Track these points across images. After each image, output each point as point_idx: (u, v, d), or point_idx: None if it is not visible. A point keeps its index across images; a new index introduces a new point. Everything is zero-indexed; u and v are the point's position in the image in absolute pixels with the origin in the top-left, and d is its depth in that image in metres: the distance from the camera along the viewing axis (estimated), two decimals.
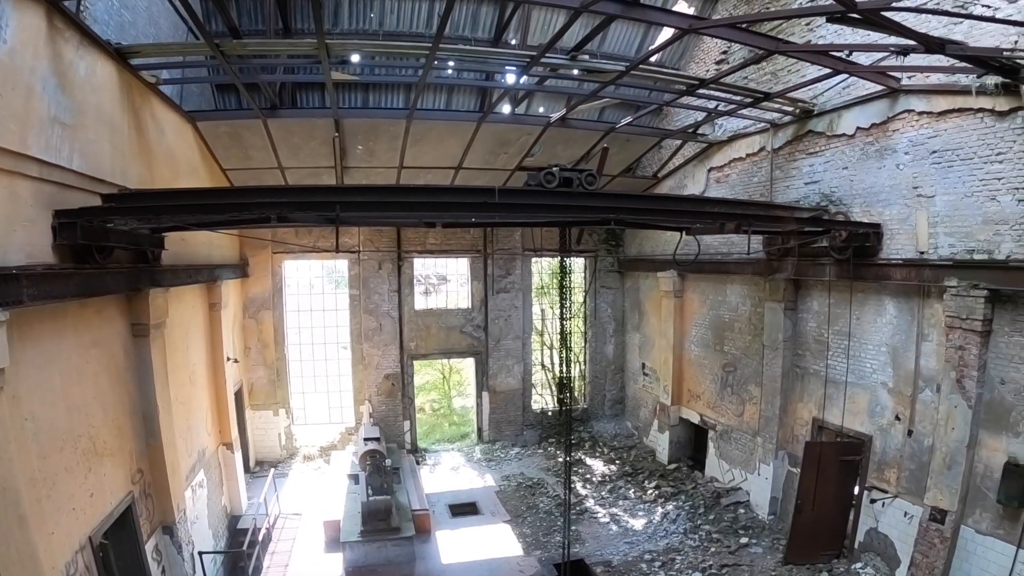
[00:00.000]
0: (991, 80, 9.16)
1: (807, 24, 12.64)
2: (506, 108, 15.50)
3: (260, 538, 13.83)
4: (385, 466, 14.76)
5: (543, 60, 11.12)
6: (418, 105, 13.55)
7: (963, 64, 8.70)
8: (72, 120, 7.62)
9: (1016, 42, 8.64)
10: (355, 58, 12.81)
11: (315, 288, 21.32)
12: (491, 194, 9.02)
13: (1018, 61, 8.26)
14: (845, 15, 7.60)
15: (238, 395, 16.84)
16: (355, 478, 15.67)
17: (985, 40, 9.03)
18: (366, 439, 16.21)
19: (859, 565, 12.27)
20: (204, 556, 11.30)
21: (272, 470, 17.00)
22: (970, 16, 8.84)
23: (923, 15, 8.92)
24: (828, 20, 8.10)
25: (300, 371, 20.63)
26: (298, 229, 16.97)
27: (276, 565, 13.63)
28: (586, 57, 12.09)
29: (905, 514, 11.43)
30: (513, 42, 14.58)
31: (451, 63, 13.08)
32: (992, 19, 8.54)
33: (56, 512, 7.06)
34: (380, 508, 13.70)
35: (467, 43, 14.07)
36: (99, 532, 8.05)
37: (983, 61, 8.28)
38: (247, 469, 17.20)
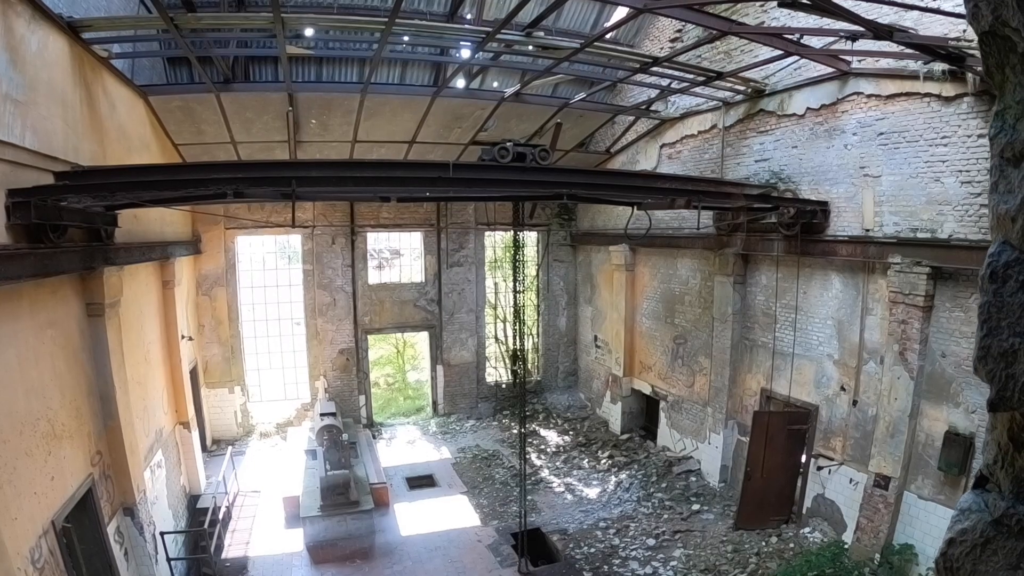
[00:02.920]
0: (938, 67, 9.53)
1: (761, 6, 12.88)
2: (460, 83, 15.44)
3: (220, 516, 13.79)
4: (342, 441, 14.80)
5: (498, 36, 11.16)
6: (372, 79, 13.43)
7: (911, 51, 9.02)
8: (24, 97, 7.42)
9: (964, 31, 8.99)
10: (309, 32, 12.65)
11: (268, 264, 21.02)
12: (446, 169, 9.14)
13: (964, 50, 8.60)
14: (795, 0, 7.84)
15: (193, 373, 16.63)
16: (313, 453, 15.70)
17: (935, 28, 9.36)
18: (322, 414, 16.18)
19: (807, 530, 12.85)
20: (166, 536, 11.26)
21: (229, 448, 16.89)
22: (915, 7, 9.15)
23: (874, 2, 9.19)
24: (779, 4, 8.31)
25: (255, 348, 20.42)
26: (251, 204, 16.73)
27: (237, 543, 13.63)
28: (541, 34, 12.13)
29: (850, 480, 12.00)
30: (468, 16, 14.50)
31: (406, 38, 12.97)
32: (937, 11, 8.87)
33: (18, 497, 6.98)
34: (338, 482, 13.78)
35: (422, 17, 13.94)
36: (61, 516, 7.97)
37: (930, 48, 8.60)
38: (204, 448, 17.06)
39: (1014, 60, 0.73)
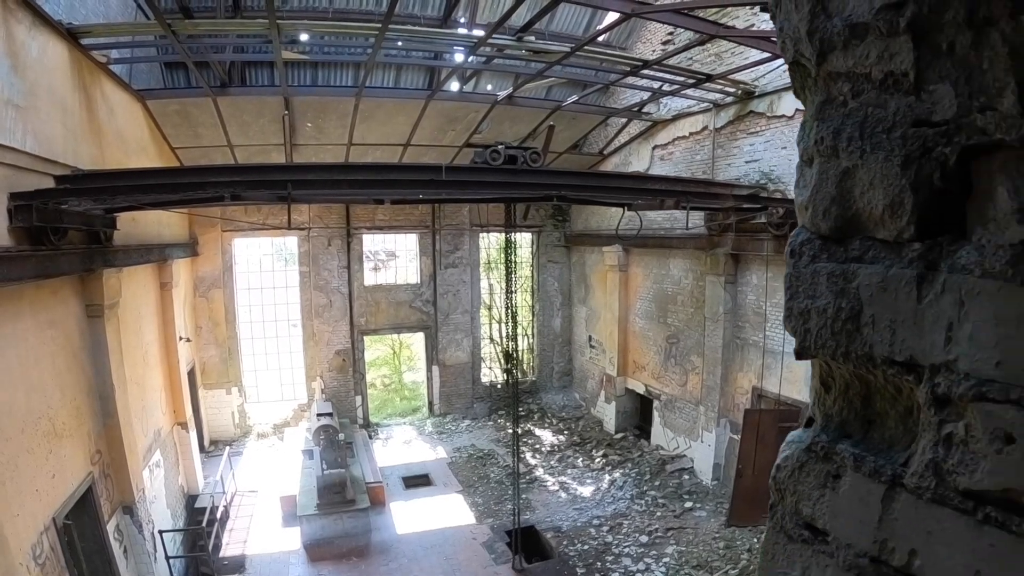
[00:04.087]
0: None
1: (751, 9, 13.06)
2: (454, 86, 15.58)
3: (218, 516, 13.93)
4: (338, 440, 14.95)
5: (490, 40, 11.34)
6: (367, 83, 13.59)
7: None
8: (25, 102, 7.57)
9: None
10: (305, 37, 12.79)
11: (265, 266, 21.16)
12: (438, 171, 9.30)
13: None
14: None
15: (191, 374, 16.77)
16: (309, 453, 15.83)
17: None
18: (319, 415, 16.32)
19: None
20: (164, 535, 11.42)
21: (227, 449, 17.01)
22: None
23: None
24: (761, 9, 8.49)
25: (252, 349, 20.56)
26: (247, 207, 16.86)
27: (235, 541, 13.80)
28: (532, 38, 12.30)
29: None
30: (462, 20, 14.68)
31: (400, 43, 13.16)
32: None
33: (20, 494, 7.12)
34: (335, 481, 13.93)
35: (416, 21, 14.12)
36: (62, 513, 8.10)
37: None
38: (202, 448, 17.20)
39: (809, 83, 0.92)
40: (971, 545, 0.76)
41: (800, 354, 1.00)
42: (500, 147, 9.61)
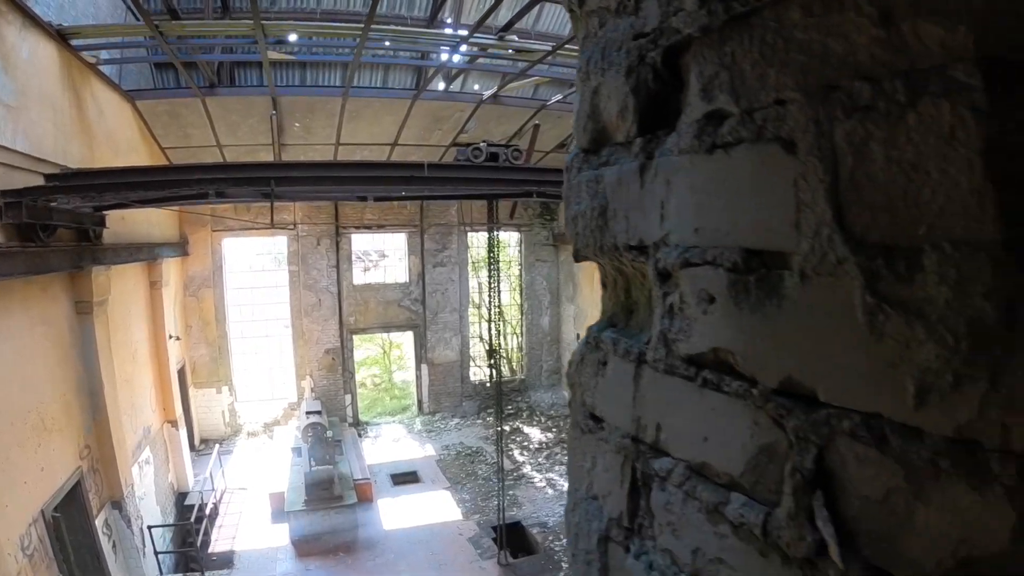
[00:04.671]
0: None
1: None
2: (441, 85, 15.73)
3: (207, 512, 14.03)
4: (327, 437, 15.03)
5: (472, 40, 11.48)
6: (354, 83, 13.68)
7: None
8: (15, 102, 7.70)
9: None
10: (292, 37, 12.89)
11: (255, 265, 21.26)
12: (421, 169, 9.45)
13: None
14: None
15: (181, 373, 16.82)
16: (298, 451, 15.90)
17: None
18: (308, 412, 16.42)
19: None
20: (153, 530, 11.52)
21: (217, 447, 17.08)
22: None
23: None
24: None
25: (242, 348, 20.66)
26: (237, 206, 16.93)
27: (224, 537, 13.90)
28: (514, 38, 12.42)
29: None
30: (448, 20, 14.80)
31: (387, 43, 13.29)
32: None
33: (10, 486, 7.25)
34: (322, 478, 14.00)
35: (403, 21, 14.26)
36: (51, 506, 8.21)
37: None
38: (192, 447, 17.21)
39: (578, 25, 1.10)
40: (697, 411, 0.87)
41: (576, 256, 1.17)
42: (482, 145, 9.79)
